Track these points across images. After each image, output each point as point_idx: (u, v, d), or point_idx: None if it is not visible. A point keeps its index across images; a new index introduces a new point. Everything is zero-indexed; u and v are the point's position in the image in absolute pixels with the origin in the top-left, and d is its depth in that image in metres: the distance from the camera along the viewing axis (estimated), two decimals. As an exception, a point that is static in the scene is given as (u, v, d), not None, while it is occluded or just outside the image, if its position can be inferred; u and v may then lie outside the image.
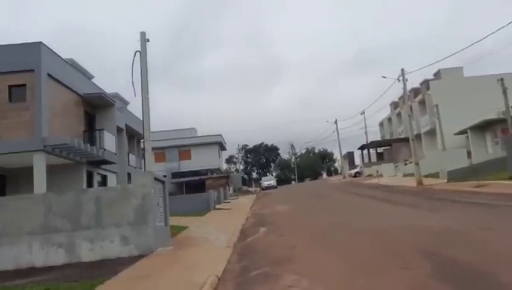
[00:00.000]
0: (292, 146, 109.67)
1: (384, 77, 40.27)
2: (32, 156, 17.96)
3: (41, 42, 18.77)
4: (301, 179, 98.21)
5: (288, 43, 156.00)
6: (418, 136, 48.29)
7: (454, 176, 27.39)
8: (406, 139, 52.21)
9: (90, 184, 22.37)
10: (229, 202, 32.69)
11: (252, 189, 60.36)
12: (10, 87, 18.45)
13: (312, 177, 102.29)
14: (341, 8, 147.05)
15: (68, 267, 11.78)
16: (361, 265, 8.26)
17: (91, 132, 22.99)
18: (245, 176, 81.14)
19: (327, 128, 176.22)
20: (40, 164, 17.96)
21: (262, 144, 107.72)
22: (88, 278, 9.35)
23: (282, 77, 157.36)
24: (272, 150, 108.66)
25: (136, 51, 14.26)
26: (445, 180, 28.02)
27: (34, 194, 13.78)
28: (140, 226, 12.41)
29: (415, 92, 50.03)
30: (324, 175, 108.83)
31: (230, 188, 45.96)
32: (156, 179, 13.59)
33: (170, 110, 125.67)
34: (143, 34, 14.43)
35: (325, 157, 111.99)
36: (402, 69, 32.03)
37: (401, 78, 31.76)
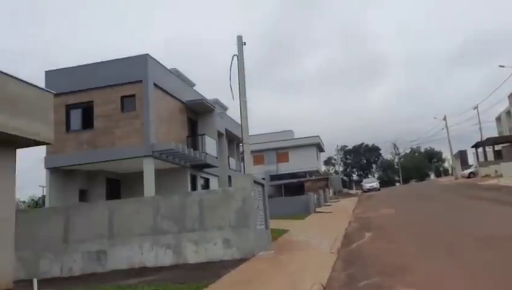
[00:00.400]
0: (395, 146, 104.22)
1: (502, 66, 36.00)
2: (142, 161, 19.11)
3: (147, 54, 19.96)
4: (406, 180, 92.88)
5: (388, 37, 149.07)
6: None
7: None
8: (529, 135, 46.43)
9: (194, 187, 23.26)
10: (329, 205, 31.81)
11: (353, 191, 58.40)
12: (122, 98, 19.89)
13: (418, 178, 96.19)
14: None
15: (175, 268, 12.15)
16: (491, 280, 7.11)
17: (194, 137, 23.93)
18: (345, 178, 78.83)
19: (434, 126, 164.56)
20: (149, 169, 19.04)
21: (362, 144, 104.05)
22: (193, 280, 9.43)
23: (382, 74, 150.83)
24: (373, 151, 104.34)
25: (234, 55, 14.36)
26: None
27: (144, 197, 14.56)
28: (241, 229, 12.36)
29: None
30: (432, 176, 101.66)
31: (330, 191, 44.88)
32: (255, 181, 13.47)
33: (267, 113, 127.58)
34: (240, 38, 14.49)
35: (433, 157, 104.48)
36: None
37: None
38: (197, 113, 25.01)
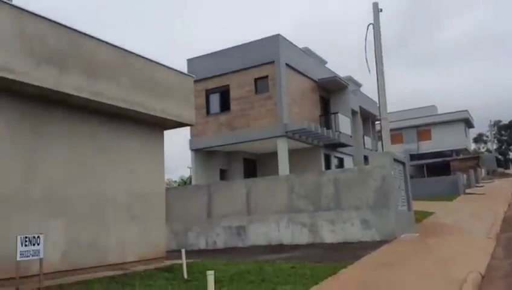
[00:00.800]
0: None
1: None
2: (275, 141, 19.38)
3: (279, 34, 20.00)
4: None
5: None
6: None
7: None
8: None
9: (327, 167, 22.88)
10: (481, 186, 28.50)
11: (510, 171, 51.38)
12: (255, 80, 20.35)
13: None
14: None
15: (311, 246, 12.03)
16: None
17: (326, 116, 23.44)
18: (499, 156, 69.87)
19: None
20: (283, 148, 19.22)
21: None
22: (330, 260, 9.14)
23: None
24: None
25: (369, 24, 13.47)
26: None
27: (278, 176, 14.73)
28: (381, 210, 11.64)
29: None
30: None
31: (482, 171, 40.21)
32: (395, 159, 12.53)
33: (405, 91, 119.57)
34: (375, 5, 13.51)
35: None
36: None
37: None
38: (330, 91, 24.41)
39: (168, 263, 9.99)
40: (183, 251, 8.22)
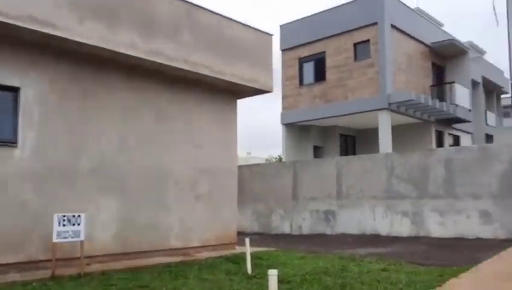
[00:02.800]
0: None
1: None
2: (377, 115, 17.00)
3: (383, -9, 17.31)
4: None
5: None
6: None
7: None
8: None
9: (440, 146, 19.74)
10: None
11: None
12: (355, 45, 18.00)
13: None
14: None
15: (414, 240, 9.94)
16: None
17: (440, 87, 20.12)
18: None
19: None
20: (385, 123, 16.79)
21: None
22: (436, 261, 7.15)
23: None
24: None
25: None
26: None
27: (375, 154, 12.61)
28: (508, 201, 9.05)
29: None
30: None
31: None
32: (532, 136, 9.67)
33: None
34: None
35: None
36: None
37: None
38: (445, 57, 20.88)
39: (239, 249, 8.78)
40: (247, 240, 6.84)
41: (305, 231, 12.33)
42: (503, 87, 28.78)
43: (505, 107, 34.37)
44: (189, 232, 8.27)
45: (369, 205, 11.24)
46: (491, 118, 27.27)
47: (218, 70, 8.29)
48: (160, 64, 7.50)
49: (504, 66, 42.11)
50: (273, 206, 13.10)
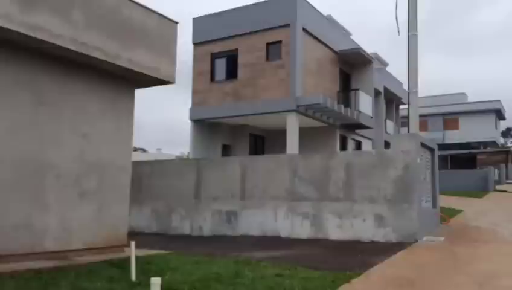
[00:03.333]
0: None
1: None
2: (286, 116, 17.09)
3: (297, -5, 17.45)
4: None
5: None
6: None
7: None
8: None
9: (343, 150, 20.51)
10: (512, 183, 25.78)
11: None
12: (267, 45, 17.94)
13: None
14: None
15: (313, 243, 9.94)
16: None
17: (346, 93, 20.91)
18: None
19: None
20: (293, 125, 16.94)
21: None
22: (331, 265, 7.06)
23: None
24: None
25: (402, -23, 10.88)
26: None
27: (280, 155, 12.55)
28: (400, 205, 9.39)
29: None
30: None
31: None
32: (422, 144, 10.18)
33: (434, 77, 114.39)
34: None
35: None
36: None
37: None
38: (352, 65, 21.78)
39: (128, 253, 8.01)
40: (132, 243, 6.16)
41: (206, 232, 11.84)
42: (402, 99, 30.93)
43: (403, 117, 37.04)
44: (70, 233, 7.33)
45: (272, 206, 11.08)
46: (390, 126, 29.19)
47: (113, 55, 7.47)
48: (44, 42, 6.51)
49: (404, 79, 45.81)
50: (174, 206, 12.43)
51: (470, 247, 8.41)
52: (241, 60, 18.34)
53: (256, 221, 11.23)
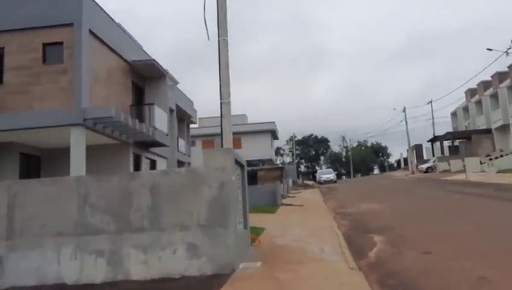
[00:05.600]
0: (343, 138, 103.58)
1: (490, 50, 35.40)
2: (69, 131, 14.24)
3: (83, -8, 14.97)
4: (351, 174, 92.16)
5: (337, 30, 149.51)
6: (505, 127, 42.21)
7: None
8: (488, 131, 45.83)
9: (137, 170, 18.59)
10: (293, 197, 28.37)
11: (310, 183, 54.90)
12: (44, 45, 14.81)
13: (364, 172, 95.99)
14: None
15: (110, 287, 7.85)
16: None
17: (139, 107, 19.17)
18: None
19: (382, 119, 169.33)
20: (78, 142, 14.21)
21: (311, 135, 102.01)
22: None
23: (330, 66, 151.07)
24: (322, 142, 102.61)
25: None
26: None
27: (64, 177, 9.98)
28: (216, 230, 8.22)
29: (501, 77, 43.42)
30: (376, 171, 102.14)
31: (290, 181, 41.43)
32: (236, 161, 9.35)
33: (215, 99, 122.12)
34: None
35: (379, 152, 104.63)
36: None
37: (511, 50, 26.14)
38: (145, 77, 20.20)
39: None
40: None
41: (-49, 291, 8.27)
42: (192, 117, 30.91)
43: (193, 136, 37.29)
44: None
45: (53, 245, 8.46)
46: (182, 145, 28.64)
47: None
48: None
49: (194, 97, 46.62)
50: None
51: (290, 271, 7.84)
52: (9, 61, 14.65)
53: (31, 267, 8.39)
